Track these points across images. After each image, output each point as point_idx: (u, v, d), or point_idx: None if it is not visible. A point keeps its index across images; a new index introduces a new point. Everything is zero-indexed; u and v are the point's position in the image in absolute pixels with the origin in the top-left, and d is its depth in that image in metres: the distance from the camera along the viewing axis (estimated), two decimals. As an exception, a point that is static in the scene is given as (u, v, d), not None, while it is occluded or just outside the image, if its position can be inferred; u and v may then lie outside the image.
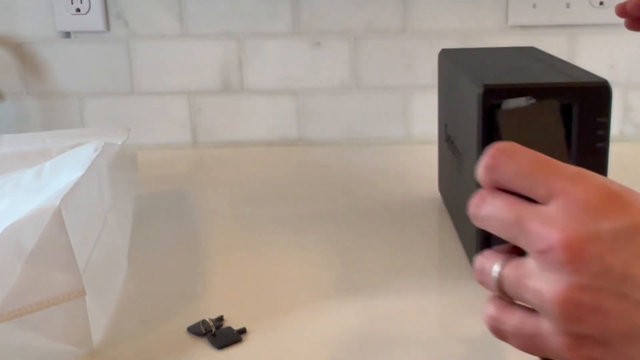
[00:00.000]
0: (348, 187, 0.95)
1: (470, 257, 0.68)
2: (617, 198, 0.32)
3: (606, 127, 0.60)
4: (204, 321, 0.59)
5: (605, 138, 0.61)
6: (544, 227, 0.32)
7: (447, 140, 0.79)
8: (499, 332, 0.35)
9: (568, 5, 1.08)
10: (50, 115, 1.16)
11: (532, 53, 0.79)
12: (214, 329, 0.58)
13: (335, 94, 1.14)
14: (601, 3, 1.07)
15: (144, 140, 1.15)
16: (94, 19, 1.11)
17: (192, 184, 0.99)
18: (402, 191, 0.92)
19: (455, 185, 0.75)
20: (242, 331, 0.59)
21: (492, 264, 0.35)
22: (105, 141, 0.72)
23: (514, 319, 0.34)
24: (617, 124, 1.12)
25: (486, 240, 0.64)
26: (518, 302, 0.34)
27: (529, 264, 0.33)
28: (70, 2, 1.11)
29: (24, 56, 1.14)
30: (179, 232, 0.82)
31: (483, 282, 0.36)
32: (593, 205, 0.31)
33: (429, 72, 1.12)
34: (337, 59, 1.13)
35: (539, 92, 0.61)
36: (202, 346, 0.57)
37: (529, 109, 0.40)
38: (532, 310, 0.33)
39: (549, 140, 0.37)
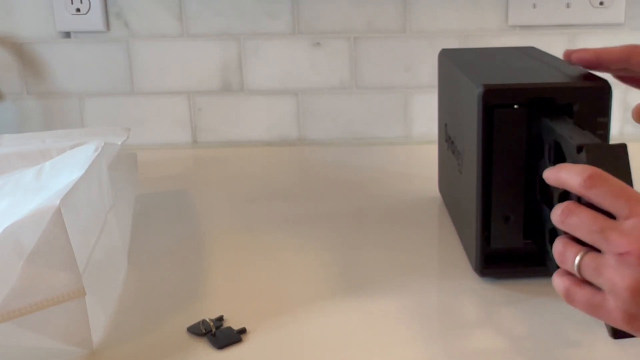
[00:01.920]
0: (348, 187, 0.95)
1: (470, 257, 0.68)
2: None
3: (606, 127, 0.60)
4: (204, 321, 0.59)
5: (605, 138, 0.61)
6: (622, 237, 0.44)
7: (447, 140, 0.79)
8: (570, 299, 0.47)
9: (568, 5, 1.08)
10: (50, 115, 1.16)
11: (532, 53, 0.79)
12: (214, 329, 0.58)
13: (335, 94, 1.14)
14: (601, 3, 1.07)
15: (144, 140, 1.15)
16: (94, 19, 1.11)
17: (192, 183, 0.99)
18: (402, 191, 0.92)
19: (455, 185, 0.75)
20: (242, 331, 0.59)
21: (575, 253, 0.47)
22: (105, 141, 0.71)
23: (585, 292, 0.46)
24: (617, 124, 1.12)
25: (486, 240, 0.64)
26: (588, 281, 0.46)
27: (607, 259, 0.44)
28: (70, 2, 1.11)
29: (24, 56, 1.14)
30: (179, 232, 0.82)
31: (563, 263, 0.48)
32: None
33: (429, 72, 1.12)
34: (337, 59, 1.13)
35: (539, 92, 0.61)
36: (202, 346, 0.57)
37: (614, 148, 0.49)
38: (598, 289, 0.46)
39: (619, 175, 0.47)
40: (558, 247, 0.48)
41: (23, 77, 1.15)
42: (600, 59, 0.62)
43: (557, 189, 0.53)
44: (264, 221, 0.83)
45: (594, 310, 0.46)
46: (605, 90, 0.60)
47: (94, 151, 0.68)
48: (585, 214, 0.46)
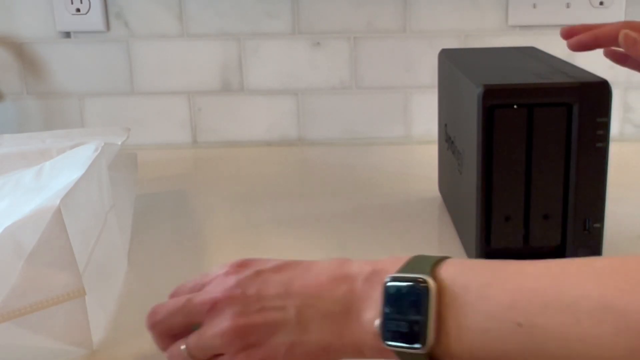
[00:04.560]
0: (348, 187, 0.95)
1: (470, 257, 0.68)
2: (243, 262, 0.49)
3: (606, 127, 0.60)
4: None
5: (605, 138, 0.61)
6: (205, 295, 0.47)
7: (447, 140, 0.79)
8: None
9: (568, 5, 1.08)
10: (50, 115, 1.16)
11: (532, 53, 0.79)
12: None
13: (335, 94, 1.14)
14: (601, 3, 1.07)
15: (144, 140, 1.15)
16: (94, 19, 1.11)
17: (192, 184, 0.99)
18: (402, 191, 0.92)
19: (455, 185, 0.75)
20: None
21: (179, 345, 0.49)
22: (105, 141, 0.71)
23: None
24: (617, 124, 1.12)
25: (486, 240, 0.64)
26: None
27: (204, 327, 0.47)
28: (70, 2, 1.11)
29: (24, 56, 1.14)
30: (179, 232, 0.82)
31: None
32: (229, 271, 0.48)
33: (429, 72, 1.12)
34: (337, 59, 1.13)
35: (539, 92, 0.61)
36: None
37: None
38: None
39: None
40: (167, 355, 0.50)
41: (23, 77, 1.15)
42: (598, 41, 0.64)
43: None
44: (264, 221, 0.83)
45: None
46: (605, 90, 0.60)
47: (94, 151, 0.68)
48: (169, 301, 0.50)
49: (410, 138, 1.16)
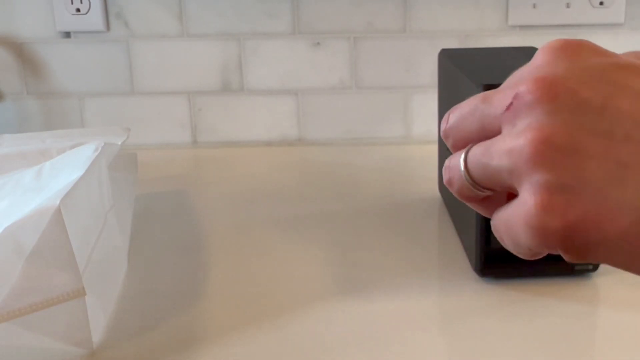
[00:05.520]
0: (348, 187, 0.95)
1: (470, 257, 0.68)
2: (580, 44, 0.29)
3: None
4: None
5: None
6: (506, 89, 0.28)
7: (447, 140, 0.79)
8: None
9: (568, 5, 1.08)
10: (50, 115, 1.16)
11: (532, 53, 0.79)
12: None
13: (335, 94, 1.14)
14: (601, 3, 1.07)
15: (144, 140, 1.15)
16: (94, 19, 1.11)
17: (192, 184, 0.99)
18: (402, 191, 0.92)
19: (455, 185, 0.75)
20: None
21: (459, 155, 0.30)
22: (105, 141, 0.71)
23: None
24: (617, 124, 1.12)
25: (486, 240, 0.64)
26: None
27: (498, 136, 0.28)
28: (70, 2, 1.11)
29: (24, 56, 1.14)
30: (179, 232, 0.82)
31: (451, 181, 0.31)
32: (557, 53, 0.28)
33: (429, 72, 1.12)
34: (337, 59, 1.13)
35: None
36: (202, 346, 0.57)
37: None
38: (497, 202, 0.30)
39: None
40: (445, 166, 0.32)
41: (23, 77, 1.15)
42: None
43: None
44: (264, 221, 0.83)
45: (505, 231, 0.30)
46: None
47: (94, 151, 0.68)
48: (465, 102, 0.31)
49: (410, 138, 1.15)
